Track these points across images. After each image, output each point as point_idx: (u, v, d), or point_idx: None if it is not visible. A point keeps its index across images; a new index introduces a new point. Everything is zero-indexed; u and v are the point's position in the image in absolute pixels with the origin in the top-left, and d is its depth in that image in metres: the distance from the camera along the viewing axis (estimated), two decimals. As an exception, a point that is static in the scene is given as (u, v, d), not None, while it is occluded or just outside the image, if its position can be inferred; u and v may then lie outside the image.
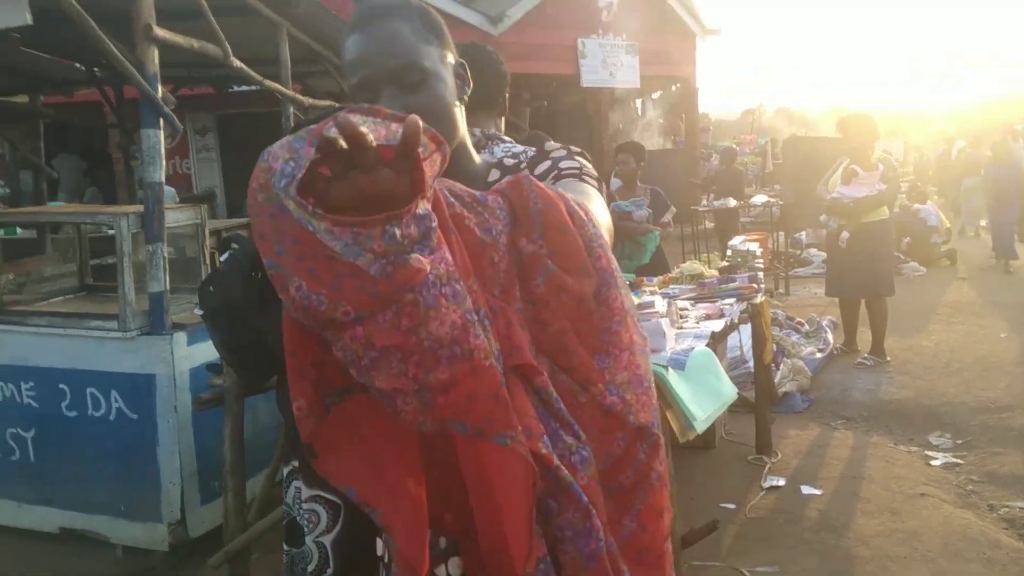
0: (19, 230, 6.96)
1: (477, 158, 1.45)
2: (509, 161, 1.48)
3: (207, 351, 3.45)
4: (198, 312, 3.25)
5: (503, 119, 2.21)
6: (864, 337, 6.88)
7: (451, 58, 1.35)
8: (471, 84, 1.40)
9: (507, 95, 2.21)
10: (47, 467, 3.87)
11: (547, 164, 1.44)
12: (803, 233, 12.32)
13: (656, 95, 17.24)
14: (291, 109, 5.43)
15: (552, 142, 1.52)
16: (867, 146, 6.61)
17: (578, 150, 1.48)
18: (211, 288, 2.87)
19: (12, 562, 3.85)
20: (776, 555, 3.64)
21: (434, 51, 1.31)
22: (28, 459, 3.90)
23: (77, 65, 6.08)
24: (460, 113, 1.36)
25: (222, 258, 3.00)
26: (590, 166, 1.46)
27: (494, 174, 1.42)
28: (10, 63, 5.66)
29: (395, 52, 1.27)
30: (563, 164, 1.43)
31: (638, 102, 17.30)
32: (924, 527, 3.86)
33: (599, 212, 1.26)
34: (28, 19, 3.27)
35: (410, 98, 1.26)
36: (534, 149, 1.52)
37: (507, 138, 2.83)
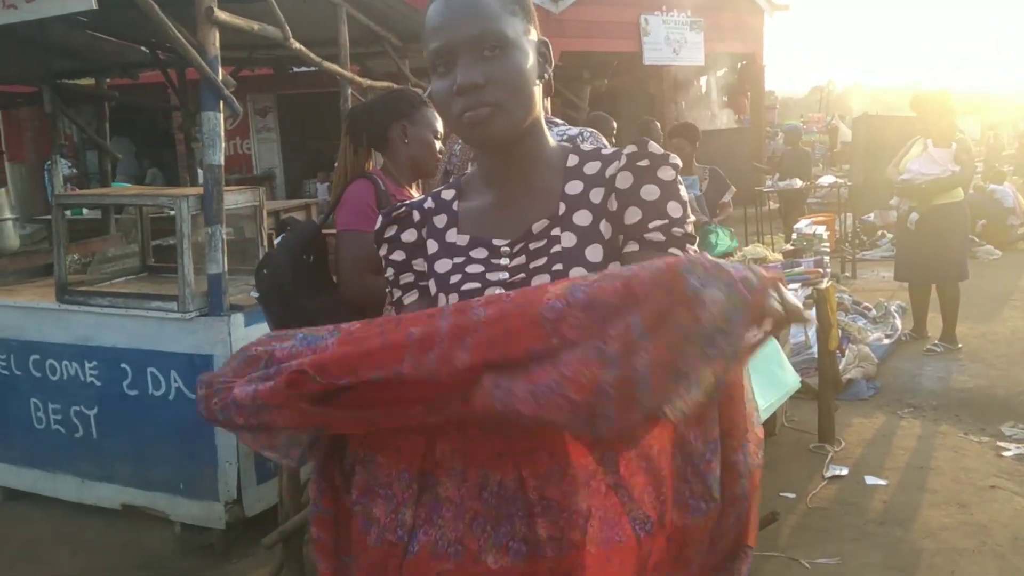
0: (85, 210, 7.14)
1: (552, 140, 1.38)
2: (587, 147, 1.38)
3: (263, 332, 3.47)
4: (254, 295, 3.28)
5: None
6: (935, 323, 6.66)
7: (534, 34, 1.30)
8: (552, 64, 1.34)
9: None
10: (109, 444, 3.96)
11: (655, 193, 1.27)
12: (871, 215, 11.99)
13: (720, 72, 16.92)
14: (349, 90, 5.43)
15: (640, 146, 1.32)
16: (943, 122, 6.37)
17: (674, 162, 1.29)
18: (264, 271, 2.89)
19: (75, 537, 3.96)
20: (838, 547, 3.55)
21: (519, 23, 1.25)
22: (91, 436, 3.99)
23: (141, 48, 6.17)
24: (539, 92, 1.30)
25: (276, 241, 3.02)
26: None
27: (572, 159, 1.34)
28: (77, 47, 5.78)
29: (477, 18, 1.22)
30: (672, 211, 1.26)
31: (702, 80, 17.00)
32: (994, 520, 3.72)
33: None
34: (93, 3, 3.30)
35: (488, 66, 1.21)
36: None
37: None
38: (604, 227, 1.26)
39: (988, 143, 22.17)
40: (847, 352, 5.80)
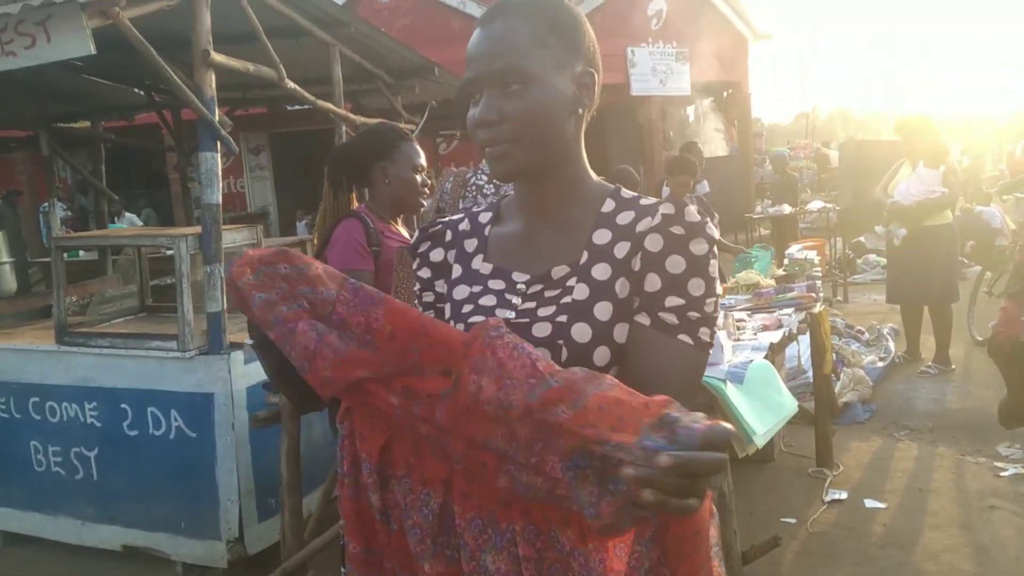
0: (81, 252, 7.17)
1: (594, 177, 1.35)
2: (627, 194, 1.33)
3: (263, 370, 3.49)
4: (249, 343, 3.28)
5: None
6: (927, 345, 6.71)
7: (579, 66, 1.26)
8: (596, 97, 1.30)
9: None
10: (109, 485, 3.95)
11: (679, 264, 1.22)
12: (862, 237, 12.09)
13: (707, 101, 17.11)
14: (343, 127, 5.49)
15: (678, 210, 1.25)
16: (931, 143, 6.45)
17: (710, 234, 1.24)
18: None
19: (78, 579, 3.94)
20: (840, 571, 3.56)
21: (549, 55, 1.23)
22: (91, 478, 3.98)
23: (136, 90, 6.24)
24: (573, 124, 1.28)
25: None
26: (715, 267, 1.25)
27: (608, 204, 1.30)
28: (73, 90, 5.84)
29: (499, 54, 1.21)
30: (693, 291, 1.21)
31: (689, 109, 17.18)
32: (994, 541, 3.74)
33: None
34: (92, 49, 3.32)
35: (507, 103, 1.22)
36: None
37: None
38: (620, 285, 1.23)
39: (962, 167, 22.37)
40: (842, 376, 5.83)
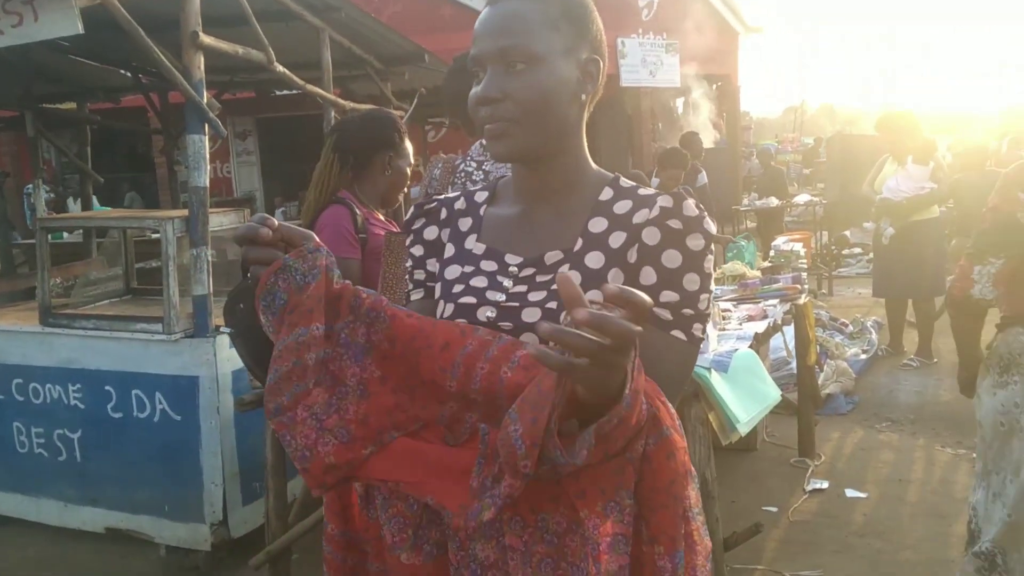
0: (65, 234, 7.12)
1: (593, 166, 1.34)
2: (626, 183, 1.32)
3: (240, 358, 3.48)
4: (225, 331, 3.26)
5: None
6: (911, 338, 6.76)
7: (585, 53, 1.25)
8: (599, 86, 1.29)
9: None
10: (93, 468, 3.94)
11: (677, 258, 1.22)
12: (848, 231, 12.15)
13: (696, 93, 17.14)
14: (332, 113, 5.46)
15: (676, 202, 1.25)
16: (919, 140, 6.48)
17: (707, 230, 1.24)
18: (241, 305, 2.86)
19: (59, 562, 3.93)
20: (820, 559, 3.59)
21: (558, 39, 1.22)
22: (75, 460, 3.97)
23: (123, 72, 6.19)
24: (575, 110, 1.26)
25: (249, 275, 3.00)
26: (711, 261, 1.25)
27: (607, 193, 1.30)
28: (59, 71, 5.79)
29: (507, 32, 1.20)
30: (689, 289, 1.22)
31: (678, 101, 17.20)
32: (973, 532, 3.78)
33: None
34: (80, 28, 3.27)
35: (509, 81, 1.20)
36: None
37: None
38: (613, 275, 1.22)
39: (947, 163, 22.41)
40: (825, 367, 5.88)
